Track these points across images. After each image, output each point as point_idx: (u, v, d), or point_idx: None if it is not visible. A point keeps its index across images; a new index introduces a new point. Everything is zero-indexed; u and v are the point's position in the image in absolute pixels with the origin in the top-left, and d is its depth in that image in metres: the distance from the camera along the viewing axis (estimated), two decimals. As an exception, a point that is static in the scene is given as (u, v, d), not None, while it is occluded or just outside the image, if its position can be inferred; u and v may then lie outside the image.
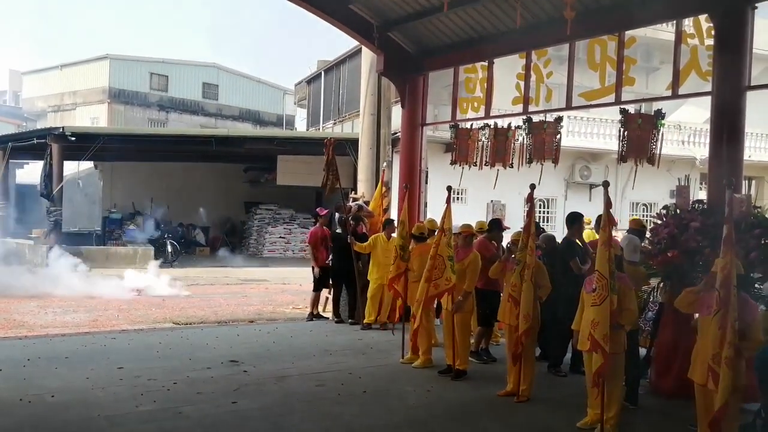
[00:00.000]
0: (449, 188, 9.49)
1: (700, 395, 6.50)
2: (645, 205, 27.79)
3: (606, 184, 7.33)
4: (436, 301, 9.83)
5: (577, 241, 9.94)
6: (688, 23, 9.79)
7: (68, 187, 23.15)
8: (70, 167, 25.81)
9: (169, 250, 25.11)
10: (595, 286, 6.90)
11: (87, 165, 29.77)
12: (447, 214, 9.23)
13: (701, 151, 25.74)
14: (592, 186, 27.29)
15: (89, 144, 22.87)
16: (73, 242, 22.69)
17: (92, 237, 25.20)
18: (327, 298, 14.12)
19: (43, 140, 23.09)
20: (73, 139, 22.53)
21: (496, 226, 10.85)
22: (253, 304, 16.10)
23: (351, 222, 12.88)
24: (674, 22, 9.87)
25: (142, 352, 10.29)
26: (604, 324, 6.81)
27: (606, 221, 7.07)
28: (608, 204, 7.12)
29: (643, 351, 9.02)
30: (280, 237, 29.34)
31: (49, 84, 49.05)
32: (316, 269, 13.55)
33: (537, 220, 12.02)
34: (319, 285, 13.71)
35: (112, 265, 21.79)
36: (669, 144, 25.53)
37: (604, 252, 6.90)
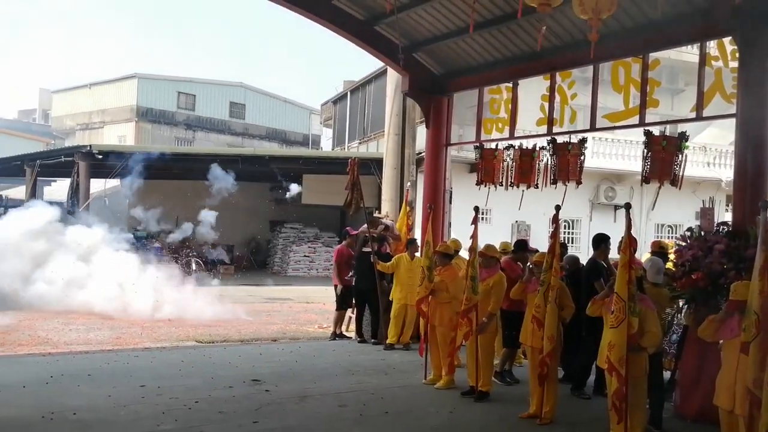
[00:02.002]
0: (476, 209, 9.48)
1: (726, 420, 6.43)
2: (670, 226, 27.55)
3: (628, 206, 7.30)
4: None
5: (603, 262, 9.90)
6: (712, 45, 9.76)
7: (94, 205, 23.36)
8: (97, 185, 26.06)
9: (194, 268, 25.25)
10: (613, 308, 6.86)
11: (113, 183, 30.05)
12: (474, 235, 9.22)
13: (727, 172, 25.53)
14: (616, 207, 27.10)
15: (116, 162, 23.13)
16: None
17: (118, 254, 25.30)
18: (350, 318, 14.13)
19: (70, 158, 23.38)
20: (100, 157, 22.79)
21: (521, 247, 10.85)
22: (276, 323, 16.13)
23: (374, 242, 12.89)
24: (698, 44, 9.85)
25: (164, 371, 10.31)
26: (621, 347, 6.78)
27: (626, 243, 7.04)
28: (629, 226, 7.09)
29: (667, 374, 8.93)
30: (305, 256, 29.42)
31: (77, 102, 49.71)
32: (339, 287, 13.58)
33: (561, 241, 12.00)
34: (342, 304, 13.72)
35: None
36: (694, 166, 25.41)
37: (624, 274, 6.87)
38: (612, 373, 6.81)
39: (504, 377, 10.25)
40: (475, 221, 9.32)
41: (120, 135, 45.12)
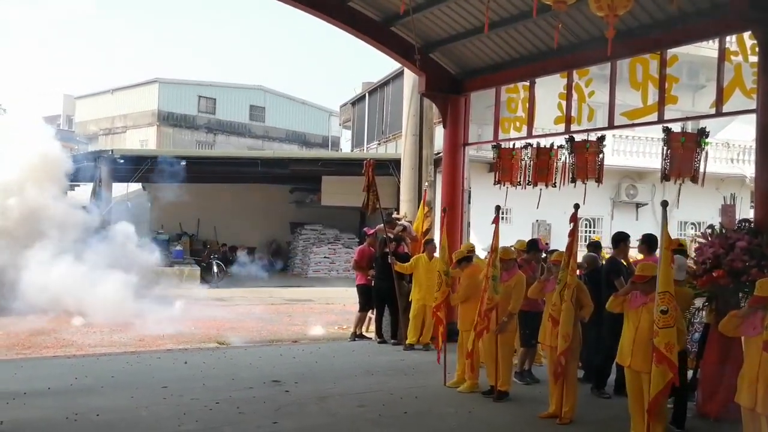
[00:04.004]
0: (498, 208, 9.44)
1: (748, 419, 6.36)
2: (693, 224, 27.31)
3: (665, 204, 7.22)
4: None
5: (623, 261, 9.84)
6: (731, 40, 9.67)
7: (117, 209, 23.56)
8: (119, 189, 26.29)
9: (215, 270, 25.43)
10: (666, 307, 6.71)
11: (135, 186, 30.30)
12: (495, 234, 9.19)
13: (751, 169, 25.26)
14: (638, 205, 26.93)
15: (137, 166, 23.32)
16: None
17: (140, 257, 25.53)
18: (370, 318, 14.15)
19: (92, 163, 23.59)
20: (122, 161, 22.99)
21: (533, 246, 10.85)
22: (296, 324, 16.18)
23: (392, 242, 12.90)
24: (717, 39, 9.76)
25: (185, 372, 10.42)
26: (677, 345, 6.74)
27: (667, 240, 6.96)
28: (666, 224, 7.02)
29: (689, 373, 8.86)
30: (325, 257, 29.45)
31: (100, 108, 50.17)
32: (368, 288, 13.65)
33: (582, 240, 11.98)
34: (365, 305, 13.75)
35: (158, 285, 22.01)
36: (718, 162, 25.17)
37: (668, 271, 6.78)
38: (673, 369, 6.69)
39: (524, 377, 10.22)
40: (496, 221, 9.30)
41: (142, 139, 45.49)
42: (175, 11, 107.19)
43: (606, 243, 14.52)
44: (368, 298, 13.70)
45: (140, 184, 29.59)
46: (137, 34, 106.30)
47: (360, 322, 13.88)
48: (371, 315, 14.04)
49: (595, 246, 11.31)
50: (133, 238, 18.65)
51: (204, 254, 27.52)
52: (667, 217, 7.14)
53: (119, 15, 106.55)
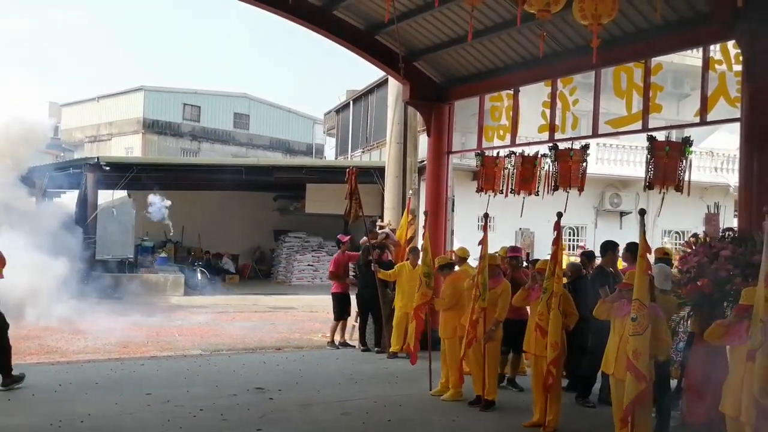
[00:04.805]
0: (486, 216, 9.49)
1: (732, 428, 6.38)
2: (678, 232, 27.46)
3: (642, 212, 7.25)
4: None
5: (611, 269, 9.86)
6: (715, 49, 9.73)
7: (102, 216, 23.44)
8: (105, 196, 26.14)
9: (199, 277, 25.33)
10: (636, 315, 6.77)
11: (121, 194, 30.16)
12: (484, 241, 9.19)
13: (734, 178, 25.42)
14: (622, 213, 27.05)
15: (123, 173, 23.24)
16: (106, 269, 22.93)
17: (125, 264, 25.45)
18: (353, 326, 14.13)
19: (78, 170, 23.49)
20: (107, 168, 22.90)
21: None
22: (280, 331, 16.13)
23: (376, 250, 12.90)
24: (701, 48, 9.82)
25: (170, 379, 10.39)
26: (646, 354, 6.72)
27: (644, 249, 6.99)
28: (644, 232, 7.05)
29: (673, 382, 8.88)
30: (309, 265, 29.40)
31: (86, 115, 49.96)
32: (344, 296, 13.65)
33: (589, 250, 12.00)
34: (341, 314, 13.74)
35: (143, 293, 22.00)
36: (702, 171, 25.30)
37: (644, 280, 6.81)
38: (641, 380, 6.72)
39: (509, 383, 10.26)
40: (485, 228, 9.34)
41: (127, 147, 45.31)
42: (160, 19, 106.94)
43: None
44: (343, 307, 13.72)
45: (126, 191, 29.48)
46: (122, 41, 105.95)
47: (335, 330, 13.87)
48: (354, 323, 14.04)
49: (587, 255, 11.31)
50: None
51: (188, 262, 27.41)
52: (648, 226, 7.17)
53: (103, 23, 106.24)
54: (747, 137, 8.79)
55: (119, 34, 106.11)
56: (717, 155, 26.93)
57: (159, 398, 9.08)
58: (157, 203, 23.54)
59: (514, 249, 10.97)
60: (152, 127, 45.93)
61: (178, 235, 29.56)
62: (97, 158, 23.50)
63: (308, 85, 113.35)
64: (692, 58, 12.28)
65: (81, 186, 23.17)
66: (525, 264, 11.37)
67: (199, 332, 15.60)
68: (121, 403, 8.81)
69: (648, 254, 7.11)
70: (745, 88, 8.85)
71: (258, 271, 31.49)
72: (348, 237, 14.48)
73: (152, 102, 46.03)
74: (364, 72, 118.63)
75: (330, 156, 44.39)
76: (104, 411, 8.47)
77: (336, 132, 38.81)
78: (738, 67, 9.12)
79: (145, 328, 15.72)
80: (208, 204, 29.76)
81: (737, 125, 9.01)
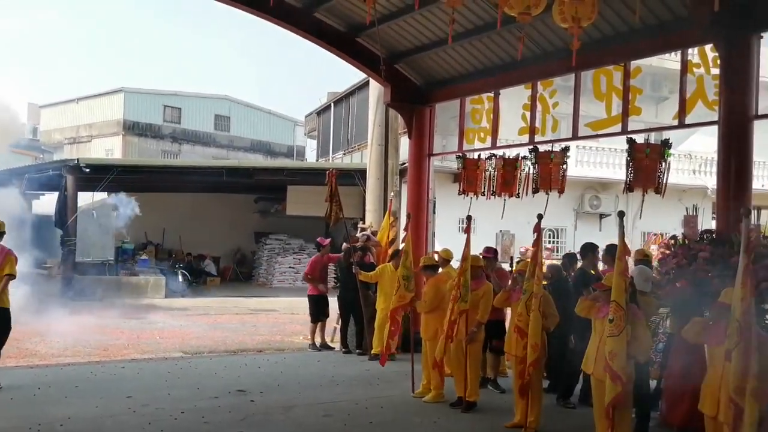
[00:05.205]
0: (469, 218, 9.54)
1: (711, 427, 6.45)
2: (656, 234, 27.64)
3: (621, 214, 7.31)
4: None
5: (592, 271, 9.93)
6: (693, 52, 9.83)
7: (82, 218, 23.27)
8: (85, 198, 25.95)
9: (180, 279, 25.24)
10: (613, 316, 6.84)
11: (101, 196, 29.99)
12: (467, 243, 9.23)
13: (712, 180, 25.63)
14: (602, 216, 27.22)
15: (103, 175, 23.10)
16: (86, 272, 22.80)
17: (105, 267, 25.34)
18: (335, 328, 14.13)
19: (58, 172, 23.30)
20: (87, 170, 22.74)
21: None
22: (261, 333, 16.10)
23: (358, 252, 12.92)
24: (680, 52, 9.91)
25: (150, 381, 10.35)
26: (622, 355, 6.78)
27: (622, 251, 7.05)
28: (623, 234, 7.11)
29: (653, 383, 8.95)
30: (290, 267, 29.34)
31: (65, 117, 49.63)
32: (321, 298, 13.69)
33: (572, 252, 12.06)
34: (318, 315, 13.78)
35: (124, 295, 21.89)
36: (680, 173, 25.55)
37: (621, 282, 6.87)
38: (616, 381, 6.79)
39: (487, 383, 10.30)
40: (467, 230, 9.37)
41: (107, 149, 45.06)
42: (141, 21, 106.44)
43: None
44: (320, 308, 13.76)
45: (106, 193, 29.32)
46: (102, 42, 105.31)
47: (315, 332, 13.89)
48: (336, 325, 14.05)
49: (570, 257, 11.35)
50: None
51: (169, 264, 27.29)
52: (628, 228, 7.23)
53: (82, 24, 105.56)
54: (724, 140, 8.90)
55: (99, 35, 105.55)
56: (695, 158, 27.18)
57: (140, 401, 9.05)
58: (125, 205, 23.15)
59: (488, 249, 11.02)
60: (132, 128, 45.70)
61: (159, 237, 29.47)
62: (77, 160, 23.30)
63: (289, 86, 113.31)
64: (671, 61, 12.43)
65: (61, 188, 22.97)
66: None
67: (180, 335, 15.54)
68: (102, 407, 8.77)
69: (627, 256, 7.17)
70: (722, 91, 8.97)
71: (239, 273, 31.41)
72: (328, 240, 14.49)
73: (132, 104, 45.81)
74: (346, 74, 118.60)
75: (311, 158, 44.38)
76: (84, 414, 8.43)
77: (317, 134, 38.79)
78: (716, 71, 9.23)
79: (125, 331, 15.65)
80: (188, 206, 29.65)
81: (715, 128, 9.12)
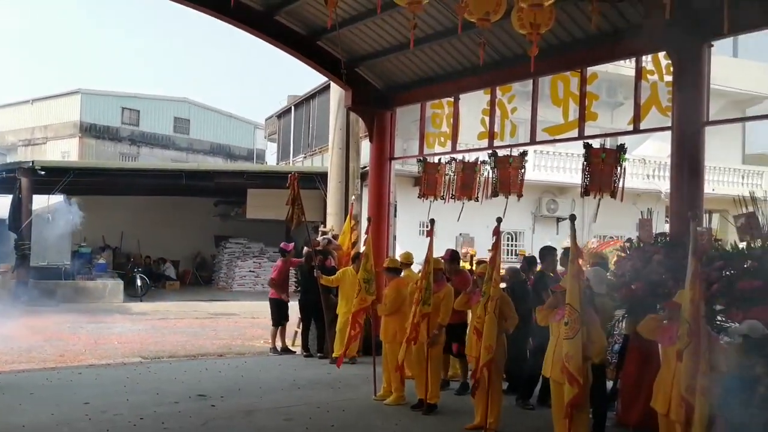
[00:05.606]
0: (432, 221, 9.59)
1: (663, 424, 6.60)
2: (612, 238, 28.01)
3: (573, 218, 7.44)
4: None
5: (551, 273, 10.06)
6: (647, 59, 10.03)
7: (37, 221, 22.91)
8: (40, 201, 25.56)
9: (139, 284, 24.97)
10: (567, 319, 6.96)
11: (57, 199, 29.55)
12: (430, 246, 9.29)
13: (666, 184, 26.04)
14: (559, 219, 27.53)
15: (59, 178, 22.77)
16: (42, 276, 22.46)
17: (61, 271, 25.00)
18: (296, 332, 14.12)
19: (12, 174, 22.93)
20: (43, 173, 22.41)
21: (454, 258, 11.07)
22: (222, 338, 16.02)
23: (319, 256, 12.93)
24: (634, 59, 10.12)
25: (108, 387, 10.21)
26: (578, 357, 6.89)
27: (574, 254, 7.18)
28: (575, 237, 7.25)
29: (609, 383, 9.11)
30: (250, 271, 29.20)
31: (20, 118, 48.73)
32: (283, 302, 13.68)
33: (530, 255, 12.20)
34: (279, 319, 13.78)
35: (81, 300, 21.60)
36: (635, 178, 25.89)
37: (575, 284, 6.99)
38: (573, 384, 6.90)
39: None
40: (430, 233, 9.43)
41: (63, 151, 44.39)
42: (98, 22, 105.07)
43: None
44: (282, 312, 13.75)
45: (62, 196, 28.90)
46: (59, 43, 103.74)
47: (276, 336, 13.88)
48: (297, 329, 14.04)
49: (529, 261, 11.47)
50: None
51: (128, 268, 26.97)
52: (584, 231, 7.36)
53: (39, 24, 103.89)
54: (677, 145, 9.12)
55: (55, 36, 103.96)
56: (649, 162, 27.60)
57: (97, 408, 8.93)
58: (65, 210, 22.70)
59: (450, 253, 11.13)
60: (89, 130, 45.08)
61: (117, 240, 29.11)
62: (32, 162, 22.97)
63: (249, 89, 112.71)
64: (626, 68, 12.60)
65: (15, 191, 22.61)
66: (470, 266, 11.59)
67: (139, 339, 15.39)
68: (58, 414, 8.62)
69: (580, 259, 7.30)
70: (675, 98, 9.19)
71: (199, 277, 31.18)
72: (292, 245, 14.48)
73: (90, 105, 45.19)
74: (307, 77, 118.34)
75: (271, 161, 44.22)
76: (39, 422, 8.28)
77: (277, 137, 38.67)
78: (669, 78, 9.44)
79: (82, 336, 15.46)
80: (147, 209, 29.31)
81: (668, 133, 9.33)
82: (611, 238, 26.90)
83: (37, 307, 19.02)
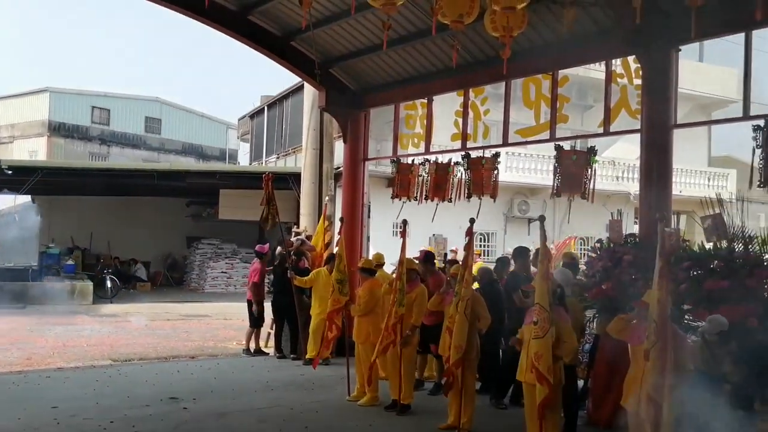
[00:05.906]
0: (405, 222, 9.63)
1: (633, 422, 6.68)
2: (582, 239, 28.25)
3: (542, 219, 7.51)
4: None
5: (524, 274, 10.12)
6: (617, 63, 10.15)
7: (2, 222, 22.62)
8: (6, 201, 25.30)
9: (108, 285, 24.71)
10: (537, 318, 7.02)
11: (24, 199, 29.20)
12: (403, 247, 9.31)
13: (635, 186, 26.29)
14: (530, 220, 27.65)
15: (27, 177, 22.50)
16: (8, 278, 22.18)
17: (28, 273, 24.71)
18: (269, 334, 14.09)
19: (-23, 174, 22.62)
20: (10, 172, 22.13)
21: (428, 259, 11.09)
22: (194, 339, 15.93)
23: (293, 257, 12.90)
24: (604, 62, 10.23)
25: (77, 391, 10.10)
26: (548, 356, 6.96)
27: (543, 255, 7.25)
28: (545, 238, 7.31)
29: (579, 383, 9.19)
30: (222, 272, 29.06)
31: (-15, 117, 48.10)
32: (255, 307, 13.62)
33: (506, 256, 12.27)
34: (259, 321, 13.75)
35: (49, 302, 21.34)
36: (604, 179, 26.10)
37: (544, 285, 7.06)
38: (543, 382, 6.96)
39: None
40: (403, 234, 9.47)
41: (31, 150, 43.81)
42: (69, 20, 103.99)
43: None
44: (260, 313, 13.75)
45: (29, 196, 28.55)
46: (27, 40, 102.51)
47: (251, 337, 13.84)
48: (270, 330, 14.01)
49: (502, 261, 11.54)
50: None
51: (97, 269, 26.70)
52: (555, 232, 7.44)
53: (5, 21, 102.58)
54: (646, 147, 9.24)
55: (22, 32, 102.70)
56: (618, 164, 27.84)
57: (66, 412, 8.83)
58: (32, 210, 22.38)
59: (424, 253, 11.18)
60: (58, 130, 44.57)
61: (86, 241, 28.81)
62: (-1, 161, 22.68)
63: (222, 89, 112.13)
64: (596, 71, 12.75)
65: (-20, 190, 22.34)
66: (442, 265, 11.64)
67: (109, 342, 15.25)
68: (25, 418, 8.51)
69: (549, 260, 7.37)
70: (644, 101, 9.32)
71: (170, 278, 30.94)
72: (267, 246, 14.45)
73: (58, 104, 44.67)
74: (280, 77, 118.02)
75: (244, 161, 44.01)
76: (6, 427, 8.18)
77: (250, 137, 38.48)
78: (638, 81, 9.57)
79: (50, 339, 15.28)
80: (118, 210, 29.07)
81: (637, 136, 9.45)
82: (582, 239, 27.19)
83: (2, 310, 18.77)
